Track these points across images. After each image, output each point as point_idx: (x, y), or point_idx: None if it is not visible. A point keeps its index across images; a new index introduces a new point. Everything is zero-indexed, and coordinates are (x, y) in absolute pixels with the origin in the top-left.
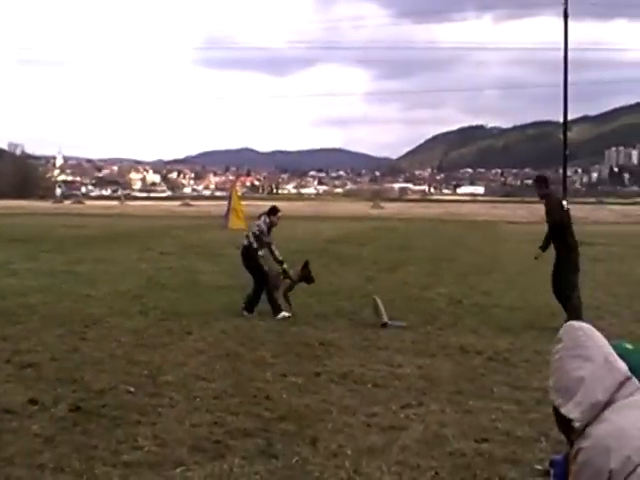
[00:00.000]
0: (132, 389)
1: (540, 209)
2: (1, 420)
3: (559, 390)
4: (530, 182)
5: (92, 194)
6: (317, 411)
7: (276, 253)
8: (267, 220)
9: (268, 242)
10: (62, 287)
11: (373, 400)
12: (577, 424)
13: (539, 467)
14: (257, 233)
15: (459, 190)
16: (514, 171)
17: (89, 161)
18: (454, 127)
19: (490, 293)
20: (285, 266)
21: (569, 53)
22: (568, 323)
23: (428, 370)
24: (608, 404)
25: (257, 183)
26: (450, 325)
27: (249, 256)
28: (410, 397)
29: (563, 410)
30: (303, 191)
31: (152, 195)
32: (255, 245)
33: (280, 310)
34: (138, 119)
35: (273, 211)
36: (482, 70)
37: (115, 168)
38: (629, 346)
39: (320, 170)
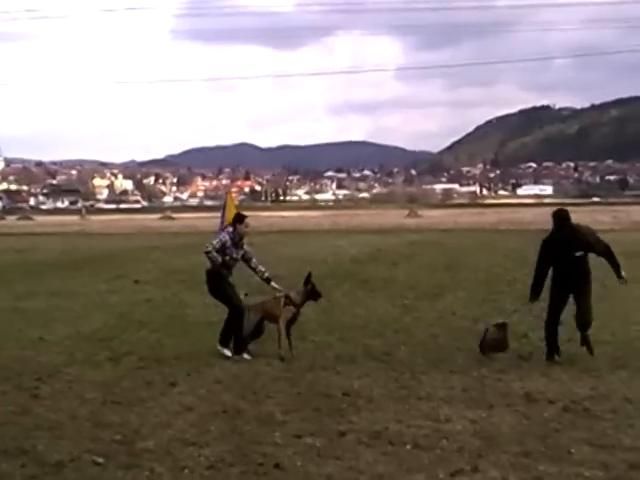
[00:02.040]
0: (100, 460)
1: (626, 212)
2: None
3: None
4: (612, 178)
5: (44, 207)
6: None
7: (259, 268)
8: (231, 230)
9: (236, 259)
10: (6, 330)
11: (414, 466)
12: None
13: None
14: (218, 247)
15: (520, 191)
16: (592, 164)
17: (39, 164)
18: (513, 109)
19: (564, 324)
20: (273, 284)
21: None
22: None
23: (484, 426)
24: None
25: (259, 188)
26: (512, 367)
27: (210, 279)
28: (462, 461)
29: None
30: (318, 197)
31: (123, 207)
32: (216, 265)
33: (244, 348)
34: (103, 109)
35: (238, 218)
36: (549, 34)
37: (74, 173)
38: None
39: (340, 170)
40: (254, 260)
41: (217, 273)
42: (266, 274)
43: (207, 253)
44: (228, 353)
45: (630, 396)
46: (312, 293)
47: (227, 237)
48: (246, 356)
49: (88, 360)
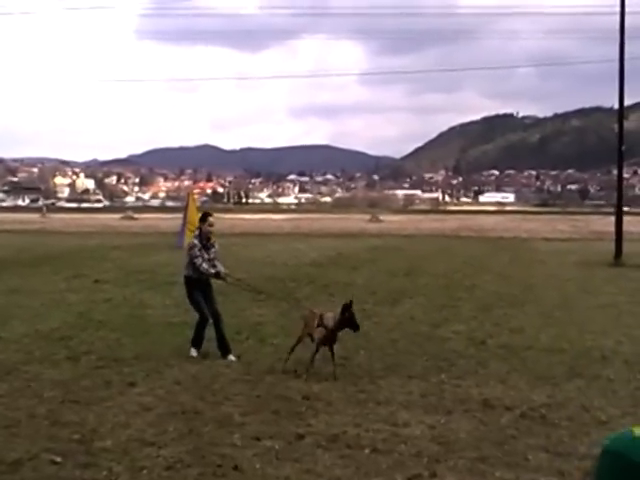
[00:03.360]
0: (58, 459)
1: (585, 222)
2: None
3: None
4: (573, 187)
5: (4, 204)
6: None
7: (217, 268)
8: (197, 233)
9: (209, 258)
10: None
11: (372, 470)
12: None
13: None
14: (195, 255)
15: (482, 198)
16: (553, 173)
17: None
18: (476, 116)
19: (522, 331)
20: (224, 274)
21: (627, 18)
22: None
23: (442, 431)
24: None
25: (221, 190)
26: (471, 373)
27: (186, 286)
28: (420, 466)
29: None
30: (280, 200)
31: (84, 206)
32: (192, 273)
33: (198, 345)
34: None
35: (202, 218)
36: (513, 43)
37: (35, 170)
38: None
39: (302, 173)
40: (216, 262)
41: (190, 279)
42: (222, 270)
43: (196, 265)
44: (194, 354)
45: (586, 404)
46: (348, 322)
47: (195, 241)
48: (193, 353)
49: (47, 358)
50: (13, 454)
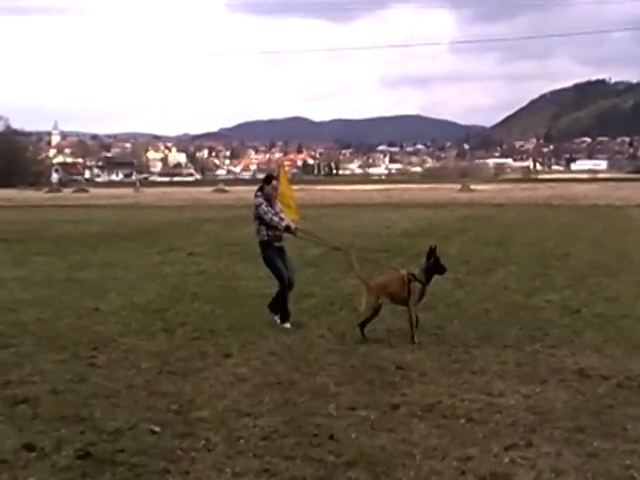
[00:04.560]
0: (157, 428)
1: None
2: None
3: None
4: None
5: (99, 179)
6: (395, 454)
7: (286, 222)
8: (259, 194)
9: (278, 213)
10: (62, 299)
11: (467, 440)
12: None
13: None
14: (263, 211)
15: (574, 166)
16: None
17: (94, 137)
18: (567, 83)
19: (617, 300)
20: (294, 228)
21: None
22: None
23: (538, 401)
24: None
25: (312, 162)
26: (565, 342)
27: (262, 251)
28: (515, 436)
29: None
30: (371, 171)
31: (176, 179)
32: (266, 236)
33: (287, 318)
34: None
35: (266, 180)
36: (605, 7)
37: (128, 146)
38: None
39: (393, 144)
40: (283, 215)
41: (267, 243)
42: (287, 223)
43: (266, 220)
44: (277, 319)
45: None
46: (436, 267)
47: (260, 199)
48: (287, 325)
49: (143, 330)
50: (113, 423)
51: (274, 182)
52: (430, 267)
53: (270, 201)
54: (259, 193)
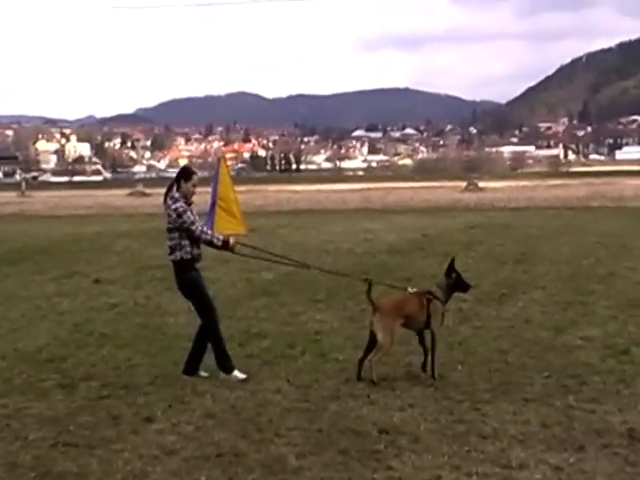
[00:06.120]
0: None
1: None
2: None
3: None
4: None
5: None
6: None
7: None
8: (176, 196)
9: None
10: None
11: None
12: None
13: None
14: (188, 221)
15: (619, 154)
16: None
17: None
18: (609, 43)
19: None
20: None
21: None
22: None
23: (572, 474)
24: None
25: (263, 153)
26: (610, 394)
27: (181, 273)
28: None
29: None
30: (344, 165)
31: (78, 179)
32: (189, 254)
33: (231, 367)
34: (52, 51)
35: (184, 174)
36: None
37: (9, 133)
38: None
39: (373, 128)
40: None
41: (189, 263)
42: (208, 237)
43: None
44: (241, 376)
45: None
46: (458, 284)
47: (180, 204)
48: (238, 374)
49: (31, 388)
50: None
51: (195, 178)
52: (451, 284)
53: (190, 203)
54: (176, 195)
